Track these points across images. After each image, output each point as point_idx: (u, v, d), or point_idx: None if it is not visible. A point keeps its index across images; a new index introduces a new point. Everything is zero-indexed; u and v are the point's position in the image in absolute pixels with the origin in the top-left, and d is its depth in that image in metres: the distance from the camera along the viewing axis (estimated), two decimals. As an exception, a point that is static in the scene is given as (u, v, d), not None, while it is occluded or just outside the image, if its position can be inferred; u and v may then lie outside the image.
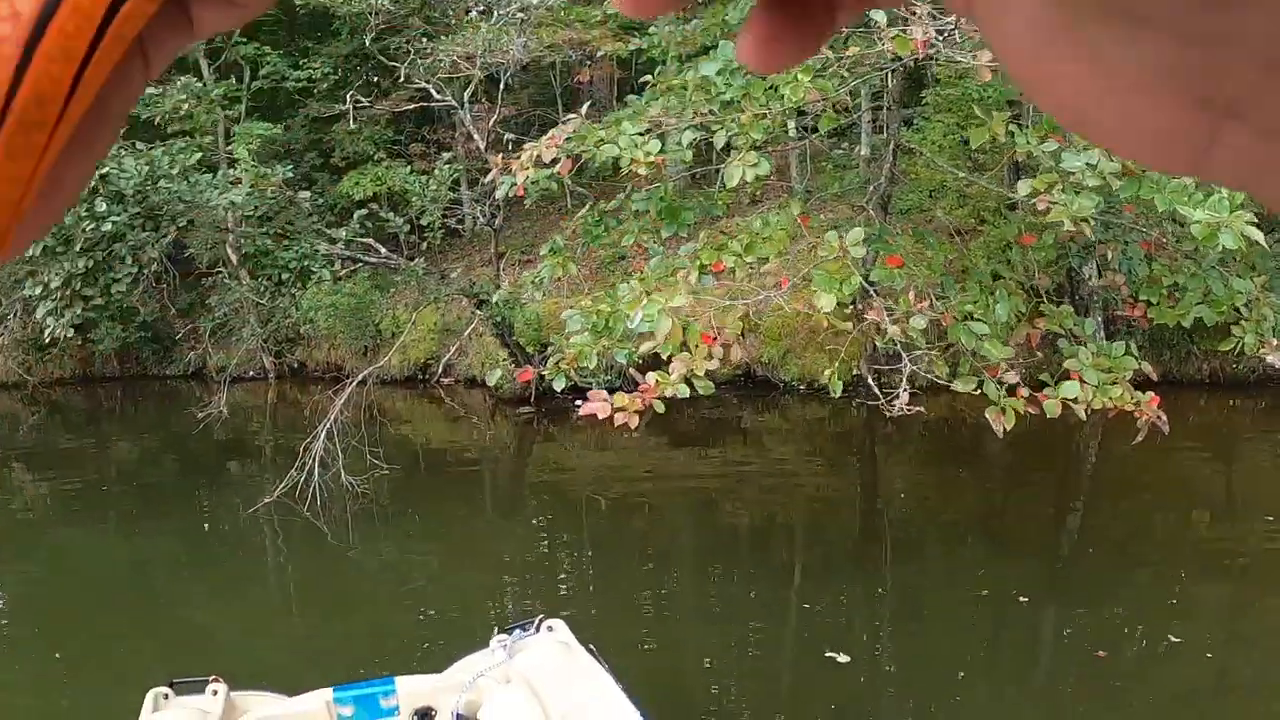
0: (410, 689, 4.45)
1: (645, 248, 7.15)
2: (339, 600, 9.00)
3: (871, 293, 5.62)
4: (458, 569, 9.81)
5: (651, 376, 5.32)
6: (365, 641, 7.81)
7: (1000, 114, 5.52)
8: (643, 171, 5.51)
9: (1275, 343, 5.66)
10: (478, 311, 14.03)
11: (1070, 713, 6.44)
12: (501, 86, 14.53)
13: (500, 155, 6.70)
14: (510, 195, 7.54)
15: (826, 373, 5.60)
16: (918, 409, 5.48)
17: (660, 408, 5.32)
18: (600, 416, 5.19)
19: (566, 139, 5.91)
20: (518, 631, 4.65)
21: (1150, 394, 5.77)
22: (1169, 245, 6.54)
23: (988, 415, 5.37)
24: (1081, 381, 5.72)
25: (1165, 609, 7.83)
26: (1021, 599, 8.12)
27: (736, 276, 6.15)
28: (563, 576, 9.65)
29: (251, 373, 17.72)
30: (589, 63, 16.67)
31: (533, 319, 15.12)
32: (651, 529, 11.15)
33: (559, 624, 4.69)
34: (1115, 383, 5.73)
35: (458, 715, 4.25)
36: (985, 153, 15.38)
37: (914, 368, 5.41)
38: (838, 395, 5.61)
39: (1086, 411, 5.53)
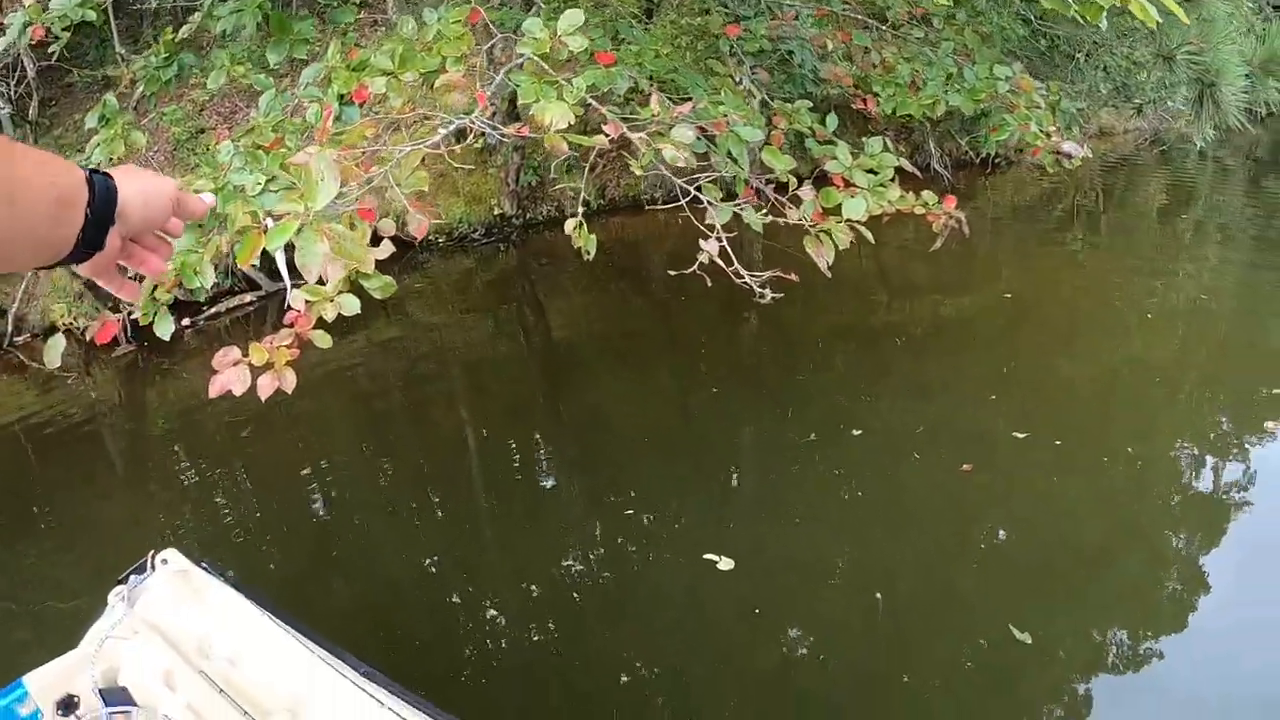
0: (43, 684, 3.88)
1: (244, 87, 5.11)
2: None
3: (590, 102, 4.09)
4: (96, 556, 7.72)
5: (298, 296, 3.49)
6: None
7: None
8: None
9: (1059, 130, 4.94)
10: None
11: (768, 499, 6.32)
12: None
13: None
14: (27, 41, 5.08)
15: (577, 234, 4.02)
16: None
17: (324, 342, 3.53)
18: (239, 392, 3.34)
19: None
20: (133, 578, 4.19)
21: (928, 193, 4.81)
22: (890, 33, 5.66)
23: (808, 249, 4.12)
24: (850, 185, 4.63)
25: (863, 390, 7.93)
26: (713, 390, 8.00)
27: (393, 105, 4.33)
28: (227, 520, 8.07)
29: None
30: None
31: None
32: (306, 440, 9.51)
33: (172, 553, 4.25)
34: (884, 185, 4.72)
35: (99, 692, 3.81)
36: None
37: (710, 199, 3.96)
38: (591, 255, 4.10)
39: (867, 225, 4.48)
